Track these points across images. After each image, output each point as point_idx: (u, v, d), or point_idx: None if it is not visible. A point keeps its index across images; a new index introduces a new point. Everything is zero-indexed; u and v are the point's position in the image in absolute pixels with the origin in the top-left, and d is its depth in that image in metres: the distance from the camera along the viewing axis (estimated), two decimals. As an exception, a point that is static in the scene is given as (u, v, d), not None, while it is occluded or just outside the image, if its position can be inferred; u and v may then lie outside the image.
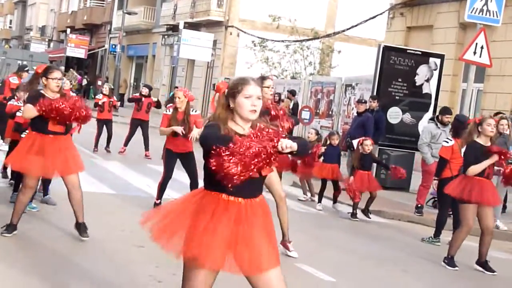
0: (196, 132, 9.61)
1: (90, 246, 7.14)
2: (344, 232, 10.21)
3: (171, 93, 18.33)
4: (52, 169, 7.33)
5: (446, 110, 12.43)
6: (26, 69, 15.47)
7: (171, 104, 16.50)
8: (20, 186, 7.81)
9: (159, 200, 9.77)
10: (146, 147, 16.45)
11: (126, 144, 16.55)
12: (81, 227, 7.41)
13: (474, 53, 12.84)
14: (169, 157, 9.83)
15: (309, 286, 7.11)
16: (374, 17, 24.57)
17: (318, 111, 21.95)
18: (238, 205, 4.05)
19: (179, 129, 9.59)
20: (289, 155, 4.00)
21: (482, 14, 13.11)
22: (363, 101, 14.64)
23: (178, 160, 9.90)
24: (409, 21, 22.06)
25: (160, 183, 9.84)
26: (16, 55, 39.55)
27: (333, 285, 7.27)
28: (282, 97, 21.65)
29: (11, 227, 7.32)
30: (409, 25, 22.09)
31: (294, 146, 3.84)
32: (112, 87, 18.03)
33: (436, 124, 12.27)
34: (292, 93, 21.15)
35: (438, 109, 15.98)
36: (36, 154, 7.18)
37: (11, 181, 9.85)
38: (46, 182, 9.17)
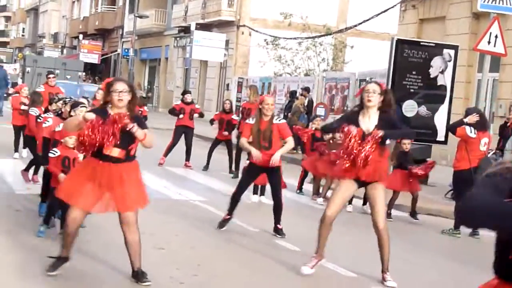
0: (278, 158, 8.54)
1: (110, 249, 7.14)
2: (364, 226, 10.15)
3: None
4: (104, 204, 6.18)
5: None
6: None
7: (217, 113, 15.97)
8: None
9: (229, 216, 8.89)
10: (187, 157, 15.30)
11: (166, 154, 15.31)
12: (138, 275, 6.25)
13: (489, 42, 12.73)
14: (251, 171, 8.85)
15: (331, 281, 7.14)
16: (386, 10, 24.46)
17: (333, 107, 21.88)
18: None
19: (256, 155, 8.52)
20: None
21: (495, 3, 13.00)
22: (378, 95, 14.53)
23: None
24: (421, 13, 21.93)
25: (232, 195, 8.93)
26: (48, 64, 36.46)
27: (354, 280, 7.24)
28: (297, 94, 21.66)
29: (60, 261, 6.29)
30: (422, 17, 21.95)
31: None
32: (144, 95, 16.89)
33: None
34: (307, 90, 21.13)
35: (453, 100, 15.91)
36: (89, 185, 6.07)
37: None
38: None
